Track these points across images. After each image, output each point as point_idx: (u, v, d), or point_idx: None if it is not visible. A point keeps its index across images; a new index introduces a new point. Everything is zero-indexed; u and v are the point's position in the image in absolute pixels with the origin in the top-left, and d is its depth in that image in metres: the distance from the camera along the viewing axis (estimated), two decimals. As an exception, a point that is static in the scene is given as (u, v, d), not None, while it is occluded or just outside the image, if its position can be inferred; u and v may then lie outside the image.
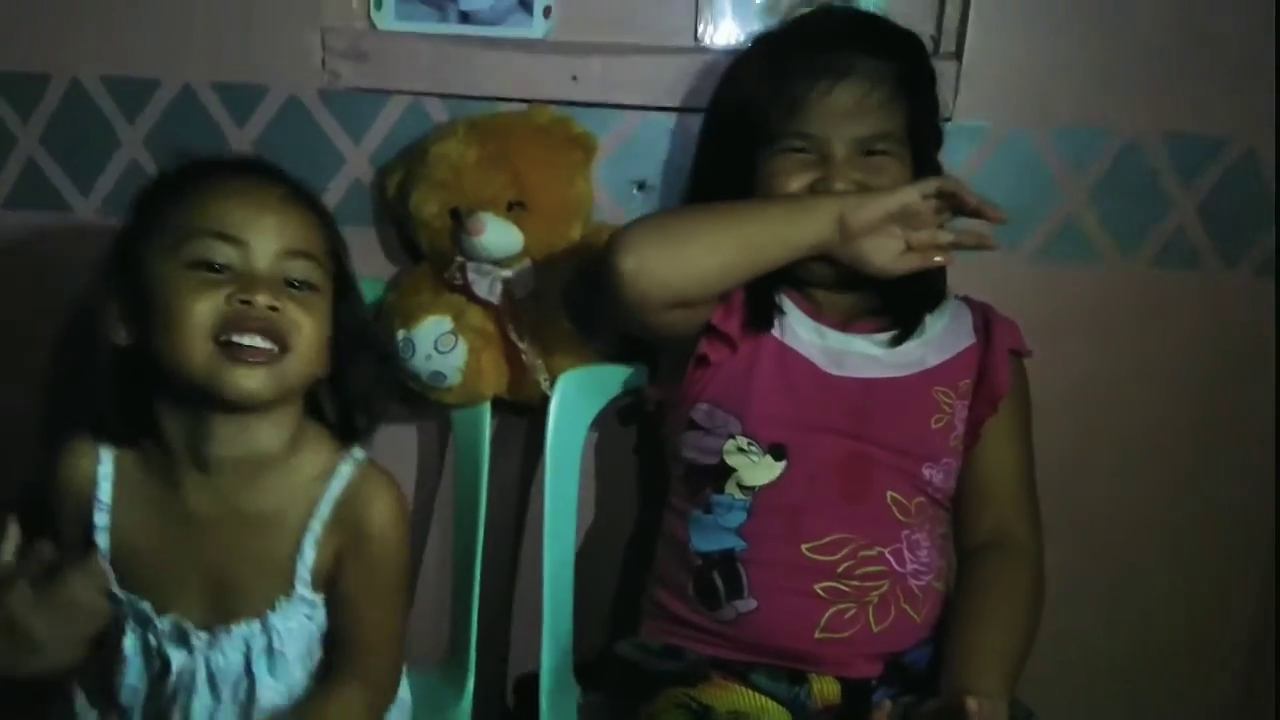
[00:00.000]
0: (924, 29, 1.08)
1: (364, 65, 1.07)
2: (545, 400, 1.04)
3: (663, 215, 0.93)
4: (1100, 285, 1.10)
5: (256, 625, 0.85)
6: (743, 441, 0.95)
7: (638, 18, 1.10)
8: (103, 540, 0.86)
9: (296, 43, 1.06)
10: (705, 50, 1.10)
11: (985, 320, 1.01)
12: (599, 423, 1.10)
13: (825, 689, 0.93)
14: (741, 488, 0.95)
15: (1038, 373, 1.02)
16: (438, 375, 1.01)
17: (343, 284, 0.87)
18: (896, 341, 0.98)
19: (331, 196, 1.09)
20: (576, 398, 1.05)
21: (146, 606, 0.85)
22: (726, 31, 1.10)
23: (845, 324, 0.98)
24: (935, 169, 0.99)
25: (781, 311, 0.97)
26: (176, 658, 0.86)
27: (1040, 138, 1.08)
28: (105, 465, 0.86)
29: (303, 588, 0.85)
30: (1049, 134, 1.07)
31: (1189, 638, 1.18)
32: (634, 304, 0.88)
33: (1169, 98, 1.07)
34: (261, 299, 0.78)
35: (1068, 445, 1.09)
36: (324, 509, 0.85)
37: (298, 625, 0.86)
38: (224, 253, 0.79)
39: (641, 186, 1.09)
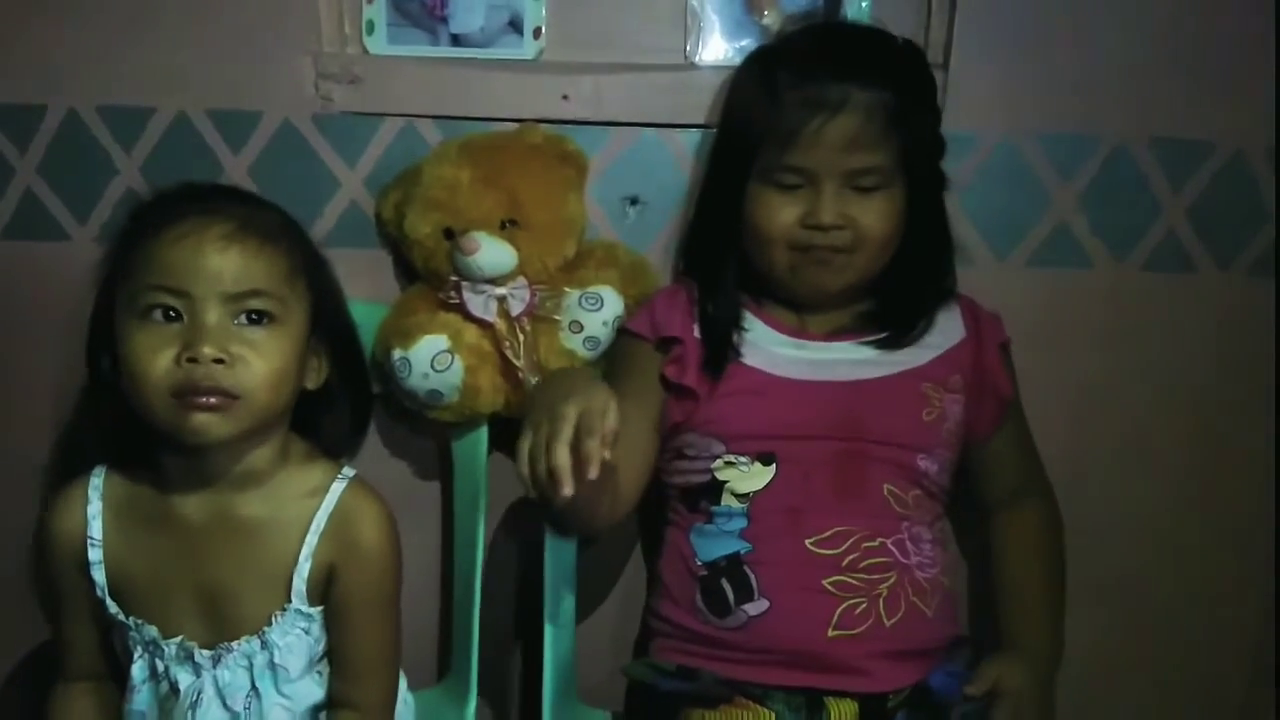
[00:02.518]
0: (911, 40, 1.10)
1: (357, 89, 1.08)
2: (543, 417, 1.05)
3: None
4: (1093, 290, 1.11)
5: (256, 642, 0.87)
6: (730, 457, 0.97)
7: (627, 36, 1.11)
8: (99, 575, 0.88)
9: (290, 68, 1.07)
10: (695, 67, 1.11)
11: (974, 317, 1.02)
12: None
13: (843, 711, 0.93)
14: (737, 496, 0.96)
15: (1032, 379, 1.02)
16: (435, 394, 1.02)
17: (321, 295, 0.89)
18: (884, 346, 0.99)
19: (327, 220, 1.10)
20: (573, 414, 1.05)
21: (153, 631, 0.87)
22: (715, 48, 1.11)
23: (831, 335, 1.00)
24: (933, 190, 1.00)
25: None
26: (184, 679, 0.88)
27: (1028, 146, 1.08)
28: (94, 504, 0.89)
29: (299, 600, 0.87)
30: (1037, 142, 1.08)
31: (1189, 641, 1.17)
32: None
33: (1156, 103, 1.08)
34: (207, 351, 0.80)
35: (1064, 451, 1.09)
36: (319, 522, 0.87)
37: (296, 639, 0.88)
38: (170, 302, 0.81)
39: (634, 202, 1.10)
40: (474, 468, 1.08)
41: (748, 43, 1.10)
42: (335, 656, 0.90)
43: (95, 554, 0.88)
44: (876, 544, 0.94)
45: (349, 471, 0.91)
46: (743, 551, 0.95)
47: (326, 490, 0.88)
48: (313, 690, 0.90)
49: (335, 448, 0.94)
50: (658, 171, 1.09)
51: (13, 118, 1.10)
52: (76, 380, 0.94)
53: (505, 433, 1.12)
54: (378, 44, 1.11)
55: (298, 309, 0.86)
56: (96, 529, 0.88)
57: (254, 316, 0.82)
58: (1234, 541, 1.16)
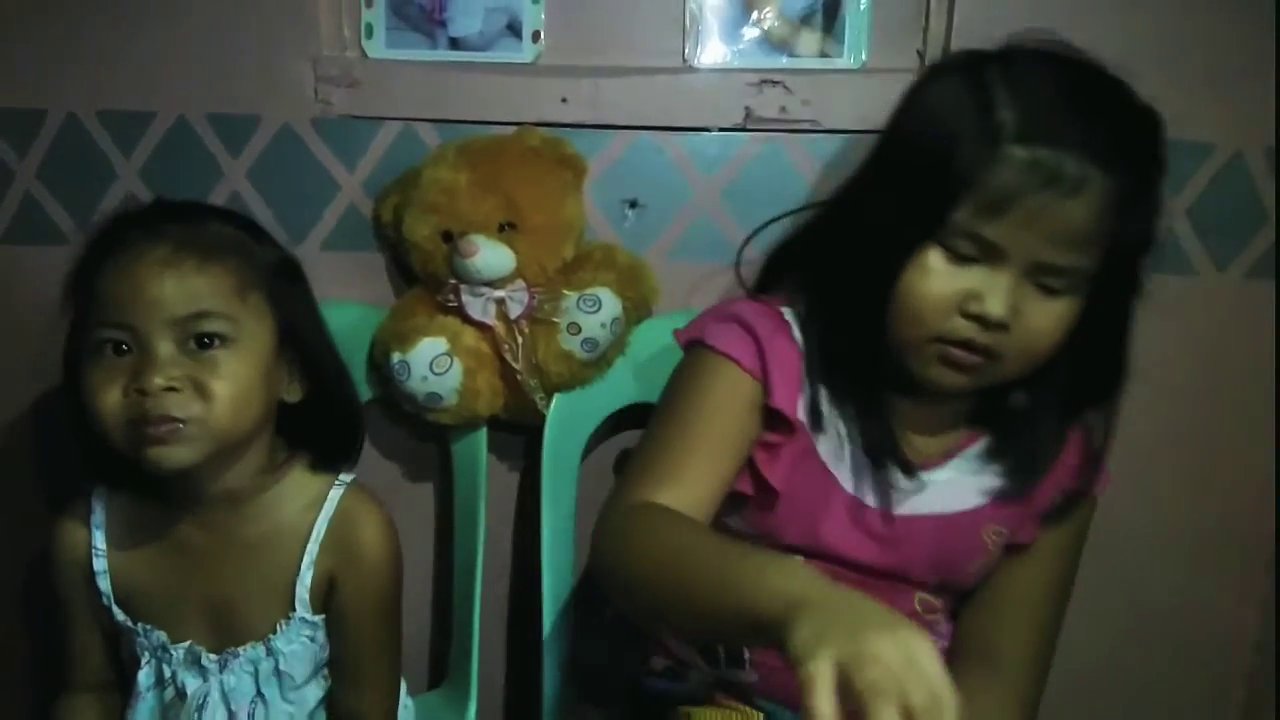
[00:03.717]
0: (909, 43, 1.10)
1: (356, 93, 1.08)
2: (542, 419, 1.05)
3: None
4: (1092, 292, 1.10)
5: (261, 649, 0.87)
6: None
7: (626, 40, 1.11)
8: (104, 584, 0.88)
9: (289, 72, 1.07)
10: (693, 70, 1.11)
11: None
12: (595, 442, 1.10)
13: None
14: None
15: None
16: (433, 396, 1.02)
17: (287, 309, 0.85)
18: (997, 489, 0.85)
19: (326, 224, 1.10)
20: (572, 417, 1.05)
21: (162, 636, 0.88)
22: (714, 51, 1.11)
23: (928, 462, 0.86)
24: (1123, 294, 0.80)
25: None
26: (191, 684, 0.88)
27: (1027, 147, 1.08)
28: (98, 515, 0.89)
29: (302, 609, 0.87)
30: (1036, 143, 1.08)
31: (1188, 643, 1.17)
32: None
33: (1155, 103, 1.06)
34: (157, 382, 0.76)
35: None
36: (319, 530, 0.87)
37: (301, 647, 0.88)
38: (119, 337, 0.78)
39: (633, 205, 1.10)
40: (473, 470, 1.08)
41: (746, 45, 1.10)
42: (337, 665, 0.90)
43: (100, 564, 0.88)
44: None
45: (346, 477, 0.90)
46: None
47: (325, 499, 0.88)
48: (317, 697, 0.91)
49: (332, 459, 0.91)
50: (656, 174, 1.09)
51: (12, 122, 1.10)
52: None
53: (504, 435, 1.12)
54: (376, 48, 1.12)
55: (256, 326, 0.82)
56: (100, 540, 0.88)
57: (206, 340, 0.79)
58: (1234, 543, 1.15)
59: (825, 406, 0.83)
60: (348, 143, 1.09)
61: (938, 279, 0.75)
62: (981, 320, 0.75)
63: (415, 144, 1.08)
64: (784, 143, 1.07)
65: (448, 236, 1.02)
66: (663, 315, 1.08)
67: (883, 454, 0.82)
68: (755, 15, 1.11)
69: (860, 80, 1.08)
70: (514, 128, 1.07)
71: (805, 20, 1.10)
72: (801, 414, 0.82)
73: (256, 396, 0.82)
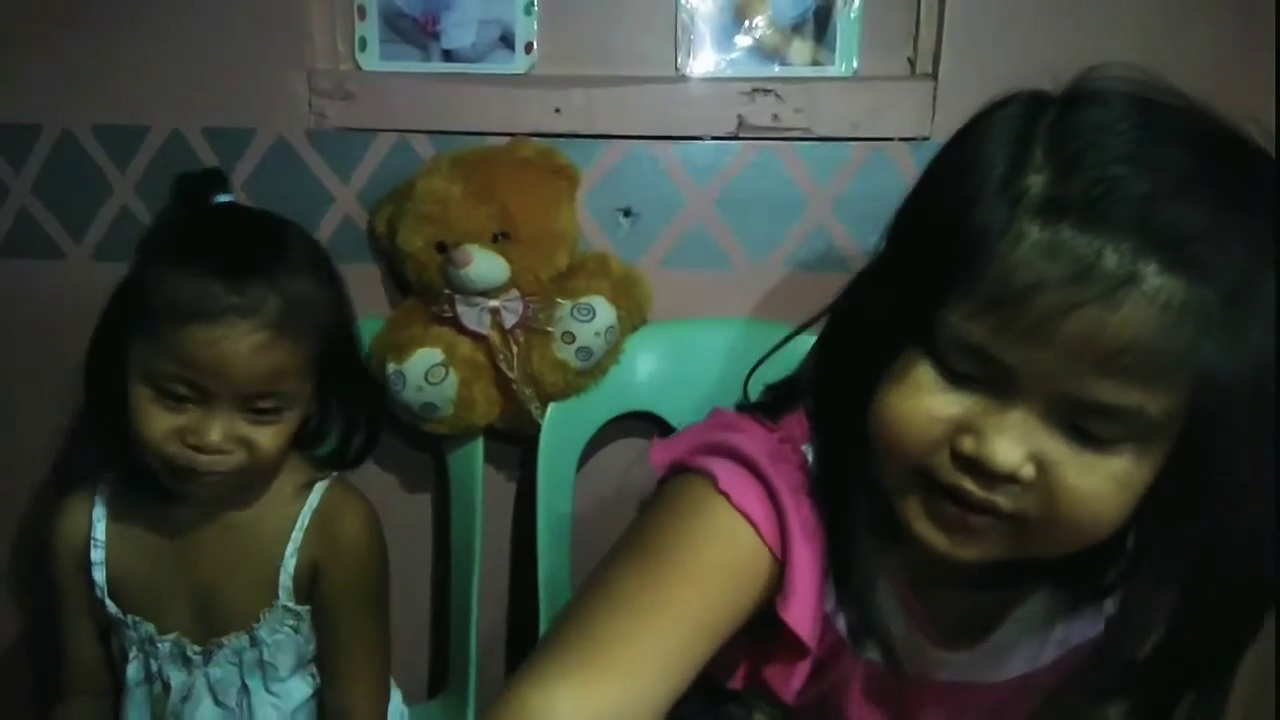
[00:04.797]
0: (900, 50, 1.10)
1: (350, 105, 1.09)
2: (538, 428, 1.05)
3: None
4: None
5: (245, 638, 0.89)
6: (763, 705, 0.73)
7: (618, 50, 1.11)
8: (99, 575, 0.90)
9: (283, 85, 1.08)
10: (686, 79, 1.11)
11: None
12: (591, 450, 1.10)
13: None
14: None
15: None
16: (429, 407, 1.02)
17: (332, 362, 0.88)
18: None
19: (322, 235, 1.10)
20: (567, 425, 1.06)
21: (150, 628, 0.89)
22: (706, 60, 1.11)
23: (961, 635, 0.68)
24: (1242, 476, 0.53)
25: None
26: (177, 677, 0.90)
27: (1019, 153, 1.08)
28: (98, 508, 0.91)
29: (285, 597, 0.89)
30: (1028, 149, 1.08)
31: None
32: None
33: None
34: (214, 441, 0.80)
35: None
36: (303, 520, 0.90)
37: (284, 637, 0.90)
38: (185, 390, 0.80)
39: (627, 214, 1.11)
40: (469, 480, 1.08)
41: (738, 54, 1.11)
42: (323, 660, 0.92)
43: (98, 554, 0.90)
44: None
45: (332, 472, 0.93)
46: None
47: (310, 490, 0.91)
48: (303, 691, 0.92)
49: (341, 459, 0.95)
50: (649, 183, 1.09)
51: (8, 138, 1.11)
52: (72, 396, 0.94)
53: (500, 445, 1.12)
54: (370, 60, 1.12)
55: (306, 387, 0.86)
56: (100, 530, 0.90)
57: (265, 410, 0.82)
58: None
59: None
60: (342, 155, 1.10)
61: (921, 397, 0.54)
62: (978, 463, 0.53)
63: (409, 155, 1.09)
64: (776, 151, 1.08)
65: (442, 247, 1.02)
66: (657, 323, 1.08)
67: (880, 643, 0.64)
68: (747, 24, 1.11)
69: (852, 88, 1.08)
70: (507, 138, 1.07)
71: (797, 29, 1.11)
72: (838, 626, 0.64)
73: (289, 439, 0.86)
